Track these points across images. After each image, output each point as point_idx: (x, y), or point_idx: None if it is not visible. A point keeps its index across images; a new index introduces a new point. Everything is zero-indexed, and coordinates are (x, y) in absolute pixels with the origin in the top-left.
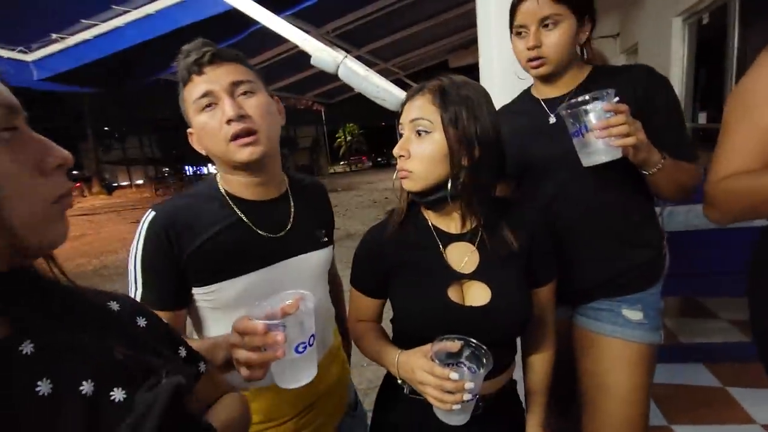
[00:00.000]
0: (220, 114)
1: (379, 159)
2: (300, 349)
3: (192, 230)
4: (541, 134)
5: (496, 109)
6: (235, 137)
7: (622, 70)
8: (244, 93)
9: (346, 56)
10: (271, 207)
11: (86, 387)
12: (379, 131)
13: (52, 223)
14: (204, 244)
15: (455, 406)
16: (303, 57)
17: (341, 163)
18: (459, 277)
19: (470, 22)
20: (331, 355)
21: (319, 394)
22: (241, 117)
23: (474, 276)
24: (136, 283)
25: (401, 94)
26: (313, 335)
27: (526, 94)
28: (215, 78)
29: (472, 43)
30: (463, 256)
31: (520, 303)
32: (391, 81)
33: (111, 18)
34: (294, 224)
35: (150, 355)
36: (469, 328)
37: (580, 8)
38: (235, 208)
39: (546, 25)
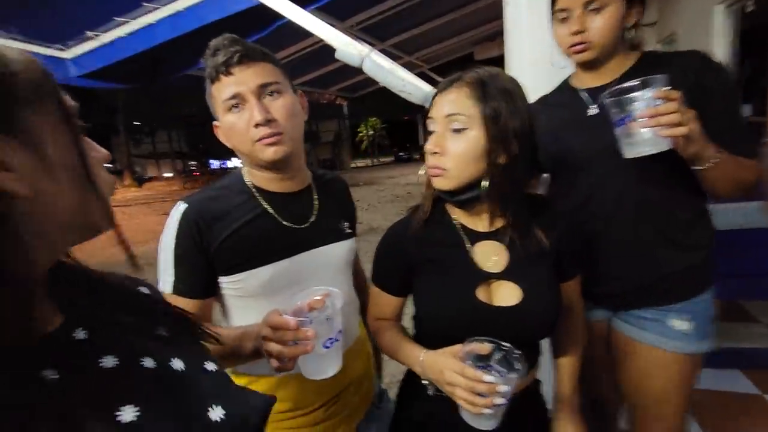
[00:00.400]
0: (247, 115)
1: (401, 153)
2: (327, 344)
3: (221, 222)
4: (579, 126)
5: (531, 102)
6: (261, 138)
7: (674, 56)
8: (271, 94)
9: (371, 50)
10: (296, 199)
11: (147, 361)
12: (401, 126)
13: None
14: (231, 235)
15: (486, 410)
16: (326, 51)
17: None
18: (487, 277)
19: (496, 13)
20: (357, 347)
21: (345, 386)
22: (268, 121)
23: (503, 275)
24: (167, 273)
25: (427, 87)
26: (340, 331)
27: (565, 85)
28: (243, 80)
29: (498, 35)
30: (490, 255)
31: (552, 303)
32: (415, 74)
33: (142, 15)
34: (318, 216)
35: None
36: (498, 329)
37: None
38: (261, 200)
39: (592, 9)
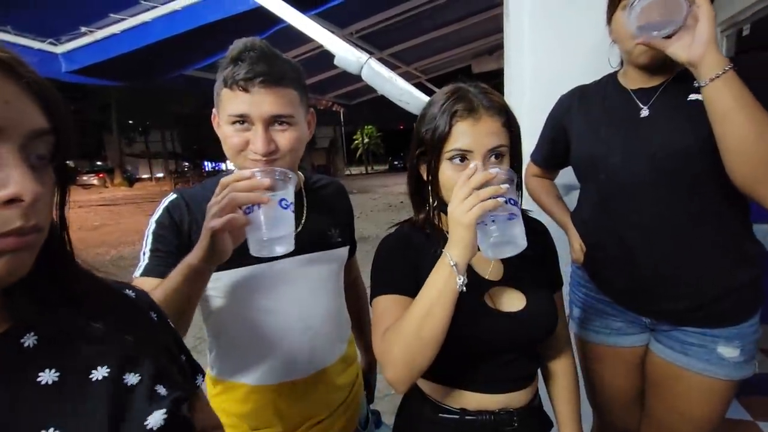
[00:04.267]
0: (248, 137)
1: (396, 162)
2: (284, 205)
3: (203, 215)
4: (627, 126)
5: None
6: (255, 161)
7: None
8: (281, 124)
9: (370, 57)
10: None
11: (98, 373)
12: (396, 134)
13: None
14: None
15: (500, 199)
16: (325, 58)
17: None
18: (488, 284)
19: (495, 27)
20: (343, 364)
21: (329, 408)
22: (269, 153)
23: (503, 282)
24: (143, 255)
25: (424, 98)
26: (292, 202)
27: (611, 80)
28: (258, 103)
29: (496, 49)
30: (487, 264)
31: (553, 305)
32: (412, 85)
33: (139, 13)
34: (305, 223)
35: (160, 348)
36: (506, 335)
37: None
38: None
39: None
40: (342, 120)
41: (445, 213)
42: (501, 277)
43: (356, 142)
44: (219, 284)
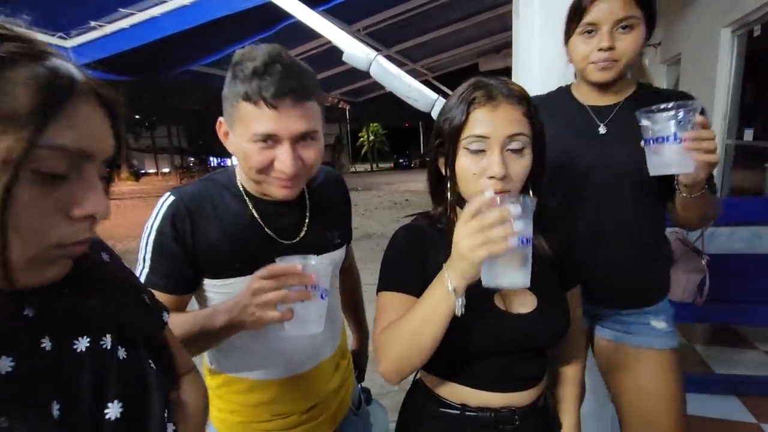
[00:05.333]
0: (273, 155)
1: (401, 160)
2: (323, 295)
3: (207, 222)
4: (589, 142)
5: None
6: (278, 179)
7: (666, 94)
8: (305, 140)
9: (378, 54)
10: (286, 211)
11: (80, 343)
12: (401, 132)
13: (40, 265)
14: (217, 239)
15: (512, 241)
16: (331, 54)
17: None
18: None
19: (502, 25)
20: (337, 354)
21: (324, 396)
22: (295, 172)
23: None
24: (144, 263)
25: (433, 95)
26: (326, 289)
27: (567, 95)
28: (285, 120)
29: (503, 47)
30: None
31: (565, 307)
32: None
33: (148, 8)
34: (307, 230)
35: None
36: (517, 336)
37: (652, 17)
38: (251, 208)
39: (623, 27)
40: (348, 117)
41: (462, 208)
42: None
43: (362, 139)
44: (225, 290)
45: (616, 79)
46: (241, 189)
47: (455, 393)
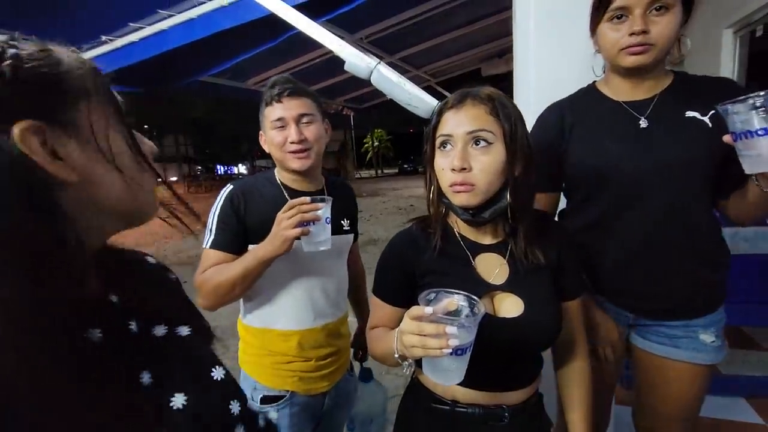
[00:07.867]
0: (286, 134)
1: (406, 165)
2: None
3: (256, 203)
4: (630, 139)
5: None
6: (293, 152)
7: (705, 81)
8: (306, 121)
9: (379, 62)
10: (311, 196)
11: (133, 325)
12: (406, 138)
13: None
14: (262, 215)
15: (445, 351)
16: (334, 62)
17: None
18: (490, 289)
19: (505, 30)
20: (343, 323)
21: (337, 348)
22: (300, 140)
23: (505, 287)
24: (210, 233)
25: (433, 101)
26: (329, 218)
27: (593, 92)
28: (288, 107)
29: (506, 52)
30: (493, 268)
31: (552, 315)
32: (422, 88)
33: (156, 21)
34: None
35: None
36: (503, 340)
37: None
38: (286, 195)
39: (658, 8)
40: (352, 124)
41: (445, 204)
42: (504, 281)
43: (366, 145)
44: None
45: (652, 66)
46: (279, 182)
47: (446, 390)
